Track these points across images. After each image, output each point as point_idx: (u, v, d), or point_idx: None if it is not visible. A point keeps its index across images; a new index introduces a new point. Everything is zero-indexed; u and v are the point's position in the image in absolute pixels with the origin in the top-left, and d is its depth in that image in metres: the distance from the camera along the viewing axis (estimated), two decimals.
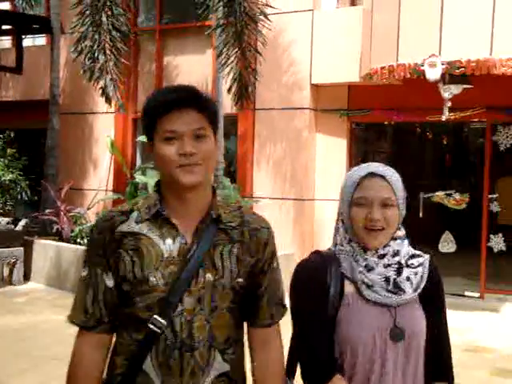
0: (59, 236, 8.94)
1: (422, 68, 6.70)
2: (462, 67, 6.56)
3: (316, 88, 8.85)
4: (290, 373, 1.82)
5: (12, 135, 10.01)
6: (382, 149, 10.45)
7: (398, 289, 1.70)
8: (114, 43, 8.27)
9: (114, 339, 1.70)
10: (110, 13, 8.21)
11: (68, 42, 9.51)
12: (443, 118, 7.00)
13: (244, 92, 8.03)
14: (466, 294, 8.12)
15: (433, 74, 6.62)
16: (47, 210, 9.27)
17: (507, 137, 8.00)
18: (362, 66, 8.05)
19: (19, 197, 9.89)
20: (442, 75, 6.66)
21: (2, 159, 9.83)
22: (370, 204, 1.71)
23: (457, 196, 8.47)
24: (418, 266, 1.77)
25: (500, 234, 8.11)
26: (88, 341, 1.65)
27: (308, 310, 1.72)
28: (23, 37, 10.63)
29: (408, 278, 1.73)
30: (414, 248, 1.83)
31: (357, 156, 9.18)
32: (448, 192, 8.57)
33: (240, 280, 1.65)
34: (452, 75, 6.68)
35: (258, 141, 9.12)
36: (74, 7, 8.30)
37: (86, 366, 1.64)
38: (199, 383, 1.60)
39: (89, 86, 8.80)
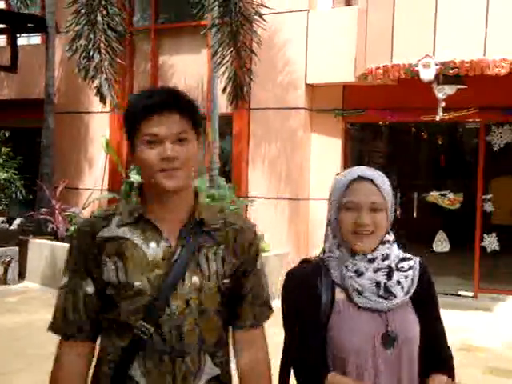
0: (54, 235, 8.93)
1: (416, 68, 6.73)
2: (455, 68, 6.59)
3: (311, 88, 8.87)
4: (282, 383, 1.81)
5: (7, 134, 9.98)
6: (376, 149, 10.47)
7: (388, 293, 1.69)
8: (109, 43, 8.27)
9: (97, 348, 1.67)
10: (105, 12, 8.20)
11: (63, 41, 9.50)
12: (437, 118, 7.03)
13: (239, 92, 8.04)
14: (460, 293, 8.17)
15: (427, 75, 6.65)
16: (42, 210, 9.26)
17: (501, 137, 8.04)
18: (356, 66, 8.07)
19: (14, 196, 9.87)
20: (436, 76, 6.69)
21: None
22: (359, 208, 1.70)
23: (451, 196, 8.51)
24: (409, 269, 1.76)
25: (494, 234, 8.16)
26: (70, 349, 1.62)
27: (300, 314, 1.71)
28: (18, 36, 10.61)
29: (398, 282, 1.71)
30: (405, 248, 1.82)
31: (351, 156, 9.22)
32: (442, 192, 8.61)
33: (226, 281, 1.64)
34: (446, 76, 6.71)
35: (253, 140, 9.14)
36: (69, 6, 8.29)
37: (68, 375, 1.60)
38: None
39: (84, 86, 8.80)
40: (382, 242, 1.74)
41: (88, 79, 8.29)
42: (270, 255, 8.19)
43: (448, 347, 1.81)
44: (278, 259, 8.20)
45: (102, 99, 8.35)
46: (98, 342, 1.67)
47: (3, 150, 9.89)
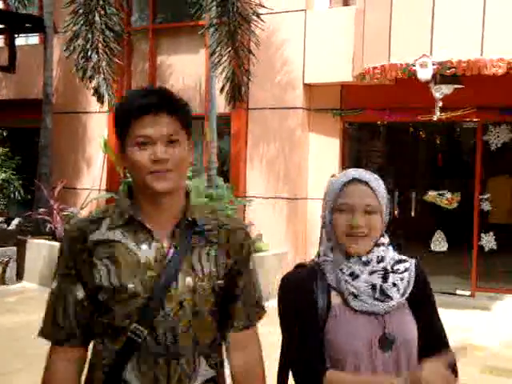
0: (52, 235, 8.93)
1: (413, 68, 6.75)
2: (452, 67, 6.61)
3: (309, 87, 8.88)
4: None
5: (5, 134, 9.98)
6: (374, 148, 10.50)
7: (385, 296, 1.68)
8: (107, 43, 8.27)
9: (89, 353, 1.66)
10: (103, 12, 8.21)
11: (61, 41, 9.50)
12: (434, 118, 7.05)
13: (237, 92, 8.05)
14: (458, 292, 8.18)
15: (424, 74, 6.66)
16: (40, 210, 9.26)
17: (498, 136, 8.06)
18: (354, 66, 8.09)
19: (12, 196, 9.86)
20: (433, 75, 6.70)
21: None
22: (353, 210, 1.69)
23: (448, 195, 8.53)
24: (404, 271, 1.75)
25: (491, 233, 8.18)
26: (60, 355, 1.60)
27: (298, 316, 1.70)
28: (16, 36, 10.61)
29: (394, 284, 1.70)
30: (400, 250, 1.82)
31: (350, 155, 9.24)
32: (440, 192, 8.63)
33: (220, 282, 1.63)
34: (443, 75, 6.72)
35: (251, 140, 9.15)
36: (67, 6, 8.29)
37: (59, 382, 1.59)
38: None
39: (82, 86, 8.80)
40: (377, 245, 1.73)
41: (86, 79, 8.30)
42: (268, 255, 8.20)
43: (448, 346, 1.79)
44: (277, 259, 8.21)
45: (100, 99, 8.36)
46: (91, 346, 1.66)
47: (1, 150, 9.89)
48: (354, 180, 1.71)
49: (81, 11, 8.21)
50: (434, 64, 6.64)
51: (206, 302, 1.61)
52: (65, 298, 1.60)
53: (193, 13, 8.16)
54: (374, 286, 1.68)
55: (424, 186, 9.40)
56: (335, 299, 1.70)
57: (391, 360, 1.67)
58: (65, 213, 9.20)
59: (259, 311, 1.74)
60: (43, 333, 1.63)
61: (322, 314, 1.67)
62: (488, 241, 8.16)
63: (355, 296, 1.67)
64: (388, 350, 1.66)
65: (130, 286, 1.54)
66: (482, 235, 8.20)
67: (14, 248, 8.73)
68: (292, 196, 8.81)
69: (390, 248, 1.77)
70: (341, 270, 1.70)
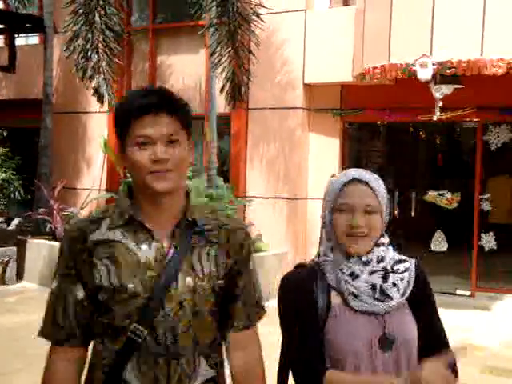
0: (52, 235, 8.93)
1: (413, 68, 6.75)
2: (452, 67, 6.61)
3: (309, 87, 8.89)
4: None
5: (5, 134, 9.98)
6: (374, 148, 10.50)
7: (384, 296, 1.68)
8: (106, 43, 8.28)
9: (88, 353, 1.66)
10: (103, 12, 8.21)
11: (61, 41, 9.50)
12: (434, 118, 7.05)
13: (237, 92, 8.05)
14: (458, 292, 8.18)
15: (424, 74, 6.67)
16: (40, 210, 9.26)
17: (498, 136, 8.06)
18: (354, 66, 8.09)
19: (12, 196, 9.87)
20: (433, 75, 6.71)
21: None
22: (353, 210, 1.68)
23: (448, 195, 8.53)
24: (404, 271, 1.74)
25: (491, 233, 8.18)
26: (60, 355, 1.60)
27: (298, 316, 1.69)
28: (16, 36, 10.61)
29: (394, 284, 1.70)
30: (400, 250, 1.81)
31: (350, 155, 9.24)
32: (440, 192, 8.63)
33: (220, 282, 1.63)
34: (443, 75, 6.73)
35: (251, 140, 9.15)
36: (67, 6, 8.30)
37: (59, 382, 1.59)
38: None
39: (82, 86, 8.80)
40: (377, 245, 1.72)
41: (86, 79, 8.30)
42: (268, 255, 8.20)
43: (448, 346, 1.78)
44: (277, 259, 8.21)
45: (100, 99, 8.36)
46: (91, 346, 1.65)
47: (1, 150, 9.89)
48: (354, 180, 1.71)
49: (81, 11, 8.21)
50: (433, 64, 6.64)
51: (206, 302, 1.61)
52: (65, 298, 1.60)
53: (193, 13, 8.17)
54: (374, 286, 1.68)
55: (424, 185, 9.40)
56: (335, 299, 1.70)
57: (391, 360, 1.66)
58: (65, 213, 9.20)
59: (259, 311, 1.74)
60: (43, 333, 1.63)
61: (321, 314, 1.66)
62: (488, 241, 8.17)
63: (355, 296, 1.67)
64: (388, 350, 1.65)
65: (130, 285, 1.54)
66: (482, 235, 8.20)
67: (14, 248, 8.74)
68: (292, 196, 8.81)
69: (390, 248, 1.77)
70: (341, 269, 1.70)
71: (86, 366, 1.66)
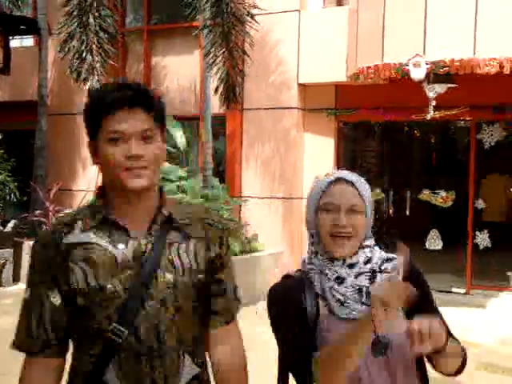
0: None
1: (406, 68, 6.78)
2: (446, 67, 6.65)
3: (303, 88, 8.91)
4: None
5: (0, 136, 9.97)
6: (369, 148, 10.54)
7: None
8: (101, 44, 8.29)
9: (65, 364, 1.59)
10: (97, 14, 8.22)
11: (56, 42, 9.50)
12: (428, 117, 7.08)
13: (231, 92, 8.07)
14: (453, 290, 8.22)
15: (417, 74, 6.70)
16: (36, 211, 9.26)
17: (491, 135, 8.10)
18: (348, 66, 8.12)
19: (8, 198, 9.86)
20: (427, 75, 6.74)
21: None
22: (337, 210, 1.64)
23: (443, 194, 8.57)
24: (393, 269, 1.64)
25: (485, 231, 8.22)
26: (36, 367, 1.55)
27: (288, 320, 1.65)
28: (11, 38, 10.59)
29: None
30: (387, 248, 1.76)
31: (344, 155, 9.28)
32: (435, 190, 8.66)
33: (201, 276, 1.59)
34: (436, 74, 6.76)
35: (246, 140, 9.17)
36: (62, 7, 8.30)
37: None
38: None
39: (77, 87, 8.80)
40: (362, 247, 1.68)
41: (80, 81, 8.30)
42: (264, 255, 8.23)
43: (452, 335, 1.69)
44: (272, 258, 8.24)
45: None
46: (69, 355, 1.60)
47: None
48: (339, 180, 1.68)
49: (75, 13, 8.22)
50: (427, 63, 6.67)
51: (188, 298, 1.57)
52: (40, 304, 1.54)
53: (187, 14, 8.18)
54: (360, 290, 1.63)
55: (419, 184, 9.44)
56: (323, 309, 1.64)
57: (387, 364, 1.62)
58: (60, 214, 9.20)
59: (238, 304, 1.72)
60: (16, 344, 1.58)
61: (311, 324, 1.61)
62: (482, 239, 8.20)
63: (342, 303, 1.62)
64: (382, 355, 1.59)
65: (109, 286, 1.49)
66: (477, 233, 8.24)
67: (11, 250, 8.73)
68: (287, 196, 8.84)
69: (377, 248, 1.73)
70: (326, 275, 1.65)
71: (66, 374, 1.61)
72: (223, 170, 9.47)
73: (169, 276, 1.54)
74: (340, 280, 1.63)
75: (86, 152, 10.50)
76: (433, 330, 1.43)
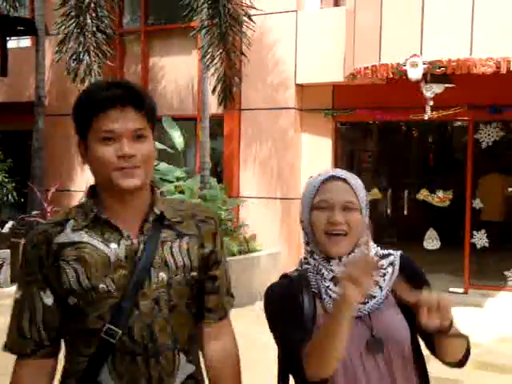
0: None
1: (404, 68, 6.79)
2: (442, 67, 6.66)
3: (301, 88, 8.92)
4: None
5: None
6: (366, 148, 10.55)
7: (367, 296, 1.58)
8: (98, 45, 8.28)
9: (58, 365, 1.57)
10: (94, 15, 8.22)
11: (53, 43, 9.48)
12: (426, 117, 7.10)
13: (228, 93, 8.07)
14: (451, 289, 8.21)
15: (415, 74, 6.71)
16: (34, 212, 9.25)
17: (489, 135, 8.11)
18: (345, 66, 8.13)
19: (5, 199, 9.84)
20: (424, 75, 6.75)
21: None
22: (331, 207, 1.62)
23: (440, 193, 8.58)
24: (388, 266, 1.68)
25: (483, 231, 8.22)
26: (28, 369, 1.53)
27: (285, 318, 1.63)
28: (8, 38, 10.58)
29: (376, 282, 1.61)
30: (381, 247, 1.74)
31: (342, 155, 9.29)
32: (432, 190, 8.67)
33: (194, 274, 1.58)
34: (433, 75, 6.77)
35: (244, 141, 9.18)
36: (59, 8, 8.30)
37: None
38: None
39: (74, 87, 8.80)
40: (358, 245, 1.65)
41: (77, 82, 8.30)
42: (262, 255, 8.24)
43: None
44: (271, 258, 8.25)
45: None
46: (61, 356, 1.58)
47: None
48: (332, 177, 1.66)
49: (72, 13, 8.21)
50: (424, 63, 6.68)
51: (182, 296, 1.56)
52: (32, 305, 1.53)
53: (184, 15, 8.18)
54: None
55: (416, 184, 9.45)
56: (320, 309, 1.63)
57: (383, 362, 1.60)
58: None
59: (230, 300, 1.71)
60: (8, 346, 1.56)
61: (308, 323, 1.60)
62: (480, 238, 8.21)
63: None
64: (378, 353, 1.60)
65: (102, 286, 1.48)
66: (474, 233, 8.25)
67: (8, 251, 8.72)
68: (285, 196, 8.84)
69: (373, 245, 1.71)
70: (322, 275, 1.64)
71: (59, 375, 1.59)
72: (221, 170, 9.48)
73: (162, 275, 1.53)
74: (336, 280, 1.60)
75: None
76: (441, 303, 1.43)
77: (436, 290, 1.50)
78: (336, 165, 8.77)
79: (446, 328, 1.47)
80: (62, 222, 1.55)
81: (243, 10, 8.00)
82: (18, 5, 10.13)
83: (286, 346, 1.63)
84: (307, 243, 1.70)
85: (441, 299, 1.43)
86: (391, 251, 1.73)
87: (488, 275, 8.45)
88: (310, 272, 1.67)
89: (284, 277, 1.74)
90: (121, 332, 1.47)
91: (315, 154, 8.90)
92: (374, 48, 7.18)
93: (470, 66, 6.55)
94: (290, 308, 1.62)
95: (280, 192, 8.88)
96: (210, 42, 7.88)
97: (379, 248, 1.73)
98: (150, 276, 1.52)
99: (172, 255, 1.56)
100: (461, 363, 1.66)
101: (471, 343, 1.65)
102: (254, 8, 8.06)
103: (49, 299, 1.52)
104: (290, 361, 1.60)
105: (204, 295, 1.64)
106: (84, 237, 1.52)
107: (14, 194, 9.79)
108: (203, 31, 7.96)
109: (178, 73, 9.72)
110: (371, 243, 1.70)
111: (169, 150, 8.82)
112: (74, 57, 8.22)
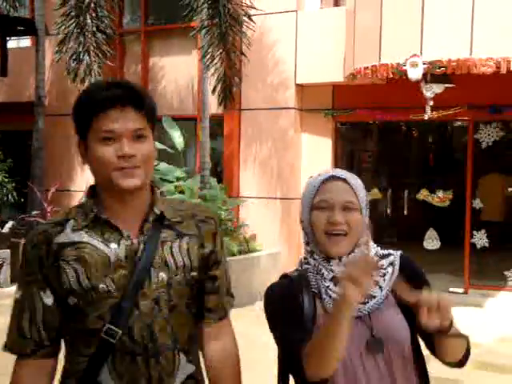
0: None
1: (404, 68, 6.79)
2: (442, 67, 6.66)
3: (301, 88, 8.92)
4: None
5: None
6: (366, 147, 10.56)
7: (367, 296, 1.59)
8: (98, 45, 8.29)
9: (58, 365, 1.57)
10: (94, 15, 8.22)
11: (53, 43, 9.49)
12: (426, 117, 7.10)
13: (228, 93, 8.07)
14: (451, 289, 8.21)
15: (415, 74, 6.71)
16: (34, 212, 9.25)
17: (489, 135, 8.12)
18: (345, 66, 8.13)
19: (5, 199, 9.85)
20: (424, 75, 6.76)
21: None
22: (332, 207, 1.62)
23: (440, 193, 8.58)
24: (389, 265, 1.68)
25: (483, 231, 8.22)
26: (28, 369, 1.53)
27: (284, 317, 1.63)
28: (8, 39, 10.58)
29: (376, 282, 1.61)
30: (381, 247, 1.74)
31: (342, 155, 9.29)
32: (432, 190, 8.67)
33: (194, 274, 1.58)
34: (433, 75, 6.78)
35: (244, 141, 9.18)
36: (59, 8, 8.30)
37: None
38: None
39: (74, 87, 8.80)
40: (358, 246, 1.65)
41: (77, 82, 8.31)
42: (262, 255, 8.24)
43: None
44: (271, 258, 8.25)
45: None
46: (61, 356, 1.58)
47: None
48: (332, 177, 1.66)
49: (72, 13, 8.21)
50: (424, 63, 6.69)
51: (182, 296, 1.56)
52: (32, 305, 1.53)
53: (184, 15, 8.18)
54: None
55: (416, 184, 9.45)
56: (320, 309, 1.63)
57: (383, 362, 1.60)
58: None
59: (230, 300, 1.71)
60: (8, 346, 1.56)
61: (308, 323, 1.59)
62: (480, 238, 8.21)
63: None
64: (378, 353, 1.60)
65: (102, 286, 1.48)
66: (474, 233, 8.25)
67: (8, 251, 8.72)
68: (285, 196, 8.85)
69: (373, 245, 1.71)
70: (322, 275, 1.64)
71: (59, 375, 1.59)
72: (221, 170, 9.48)
73: (162, 275, 1.53)
74: (336, 280, 1.60)
75: None
76: (441, 303, 1.43)
77: (436, 290, 1.50)
78: (336, 165, 8.77)
79: (446, 328, 1.47)
80: (62, 222, 1.55)
81: (243, 9, 8.00)
82: (18, 5, 10.13)
83: (286, 346, 1.63)
84: (307, 243, 1.70)
85: (441, 299, 1.44)
86: (391, 251, 1.73)
87: (488, 275, 8.45)
88: (309, 272, 1.67)
89: (284, 277, 1.74)
90: (121, 332, 1.48)
91: (315, 154, 8.90)
92: (374, 48, 7.19)
93: (470, 65, 6.55)
94: (290, 308, 1.62)
95: (280, 192, 8.88)
96: (210, 42, 7.88)
97: (379, 248, 1.73)
98: (150, 276, 1.52)
99: (172, 255, 1.56)
100: (461, 363, 1.66)
101: (471, 343, 1.65)
102: (254, 8, 8.06)
103: (49, 299, 1.52)
104: (290, 361, 1.60)
105: (204, 295, 1.64)
106: (84, 237, 1.52)
107: (14, 193, 9.79)
108: (203, 31, 7.96)
109: (178, 73, 9.72)
110: (371, 243, 1.70)
111: (169, 150, 8.82)
112: (74, 57, 8.23)
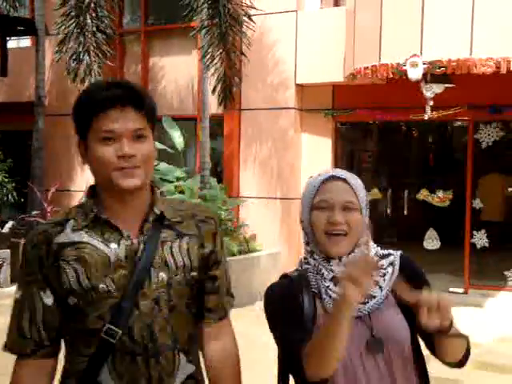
0: None
1: (404, 68, 6.80)
2: (442, 67, 6.67)
3: (301, 88, 8.92)
4: None
5: None
6: (366, 147, 10.56)
7: (367, 296, 1.58)
8: (98, 45, 8.29)
9: (58, 365, 1.58)
10: (94, 15, 8.22)
11: (53, 43, 9.49)
12: (426, 117, 7.10)
13: (228, 93, 8.08)
14: (451, 289, 8.22)
15: (415, 74, 6.71)
16: (34, 212, 9.25)
17: (489, 135, 8.12)
18: (345, 66, 8.13)
19: (5, 199, 9.84)
20: (424, 75, 6.76)
21: None
22: (331, 207, 1.62)
23: (440, 193, 8.58)
24: (389, 265, 1.68)
25: (483, 231, 8.23)
26: (28, 369, 1.53)
27: (284, 317, 1.63)
28: (8, 39, 10.59)
29: (376, 282, 1.61)
30: (381, 247, 1.74)
31: (342, 155, 9.29)
32: (432, 190, 8.67)
33: (194, 274, 1.58)
34: (433, 75, 6.78)
35: (244, 141, 9.18)
36: (59, 8, 8.30)
37: None
38: None
39: (74, 87, 8.80)
40: (358, 245, 1.65)
41: (77, 82, 8.31)
42: (262, 255, 8.24)
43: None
44: (271, 258, 8.25)
45: None
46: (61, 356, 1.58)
47: None
48: (332, 177, 1.66)
49: (72, 13, 8.21)
50: (424, 63, 6.69)
51: (182, 296, 1.56)
52: (32, 305, 1.53)
53: (184, 15, 8.18)
54: None
55: (416, 184, 9.45)
56: (320, 309, 1.63)
57: (383, 362, 1.60)
58: None
59: (230, 300, 1.71)
60: (8, 346, 1.56)
61: (308, 323, 1.59)
62: (480, 238, 8.22)
63: None
64: (378, 353, 1.60)
65: (102, 286, 1.48)
66: (474, 233, 8.25)
67: (8, 251, 8.72)
68: (285, 196, 8.85)
69: (373, 245, 1.71)
70: (322, 275, 1.64)
71: (59, 375, 1.59)
72: (221, 170, 9.48)
73: (162, 275, 1.53)
74: (336, 280, 1.60)
75: None
76: (441, 303, 1.43)
77: (436, 290, 1.50)
78: (336, 165, 8.77)
79: (446, 328, 1.47)
80: (62, 222, 1.55)
81: (243, 9, 8.00)
82: (18, 5, 10.13)
83: (286, 346, 1.63)
84: (307, 243, 1.70)
85: (441, 299, 1.44)
86: (391, 251, 1.73)
87: (488, 275, 8.45)
88: (310, 272, 1.67)
89: (284, 277, 1.74)
90: (121, 332, 1.48)
91: (315, 154, 8.90)
92: (374, 48, 7.19)
93: (470, 65, 6.56)
94: (290, 308, 1.62)
95: (280, 192, 8.88)
96: (210, 42, 7.88)
97: (379, 248, 1.73)
98: (150, 276, 1.52)
99: (172, 255, 1.56)
100: (461, 363, 1.66)
101: (471, 343, 1.65)
102: (254, 8, 8.06)
103: (49, 299, 1.52)
104: (290, 361, 1.59)
105: (204, 295, 1.64)
106: (84, 237, 1.52)
107: (14, 193, 9.79)
108: (203, 31, 7.96)
109: (178, 73, 9.72)
110: (371, 243, 1.70)
111: (169, 150, 8.82)
112: (74, 57, 8.23)
